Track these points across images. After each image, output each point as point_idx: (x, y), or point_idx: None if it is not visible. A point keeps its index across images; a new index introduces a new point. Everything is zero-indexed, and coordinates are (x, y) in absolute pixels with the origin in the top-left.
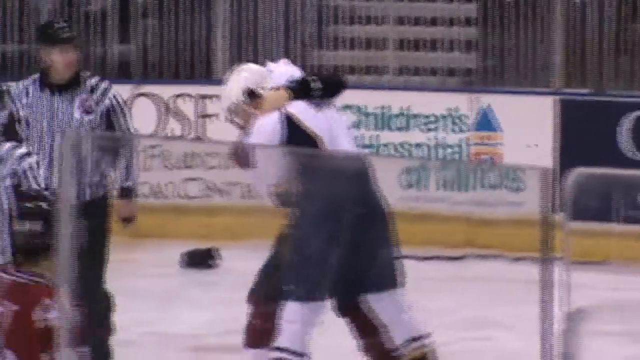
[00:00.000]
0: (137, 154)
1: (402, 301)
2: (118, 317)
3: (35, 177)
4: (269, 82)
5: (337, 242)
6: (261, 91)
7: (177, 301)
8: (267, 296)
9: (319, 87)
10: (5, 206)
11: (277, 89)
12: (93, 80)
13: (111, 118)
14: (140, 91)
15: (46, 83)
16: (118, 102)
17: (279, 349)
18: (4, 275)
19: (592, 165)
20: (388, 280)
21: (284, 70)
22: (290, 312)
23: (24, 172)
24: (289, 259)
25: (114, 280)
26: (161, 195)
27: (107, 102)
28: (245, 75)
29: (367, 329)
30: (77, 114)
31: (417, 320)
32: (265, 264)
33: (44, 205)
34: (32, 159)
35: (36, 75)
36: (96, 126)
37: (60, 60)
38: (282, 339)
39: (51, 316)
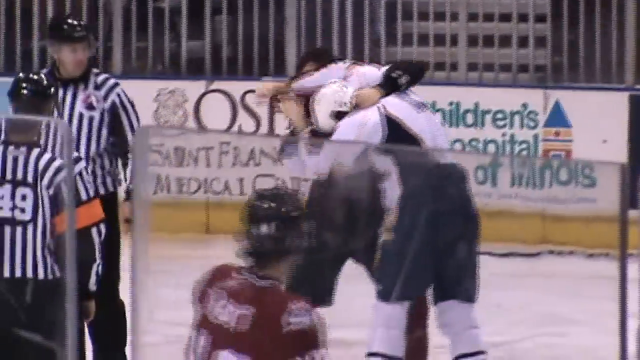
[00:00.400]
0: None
1: (473, 316)
2: (190, 314)
3: (84, 185)
4: (347, 92)
5: (435, 243)
6: (346, 107)
7: None
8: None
9: (406, 81)
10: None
11: (363, 89)
12: (100, 77)
13: (117, 115)
14: (212, 87)
15: (55, 77)
16: (122, 101)
17: (376, 354)
18: (238, 278)
19: None
20: (469, 291)
21: (360, 71)
22: (386, 314)
23: (75, 177)
24: (386, 259)
25: (187, 276)
26: (233, 192)
27: (112, 99)
28: (324, 103)
29: (418, 324)
30: (79, 109)
31: (479, 337)
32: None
33: (279, 207)
34: (82, 164)
35: (47, 69)
36: (98, 123)
37: (70, 58)
38: (378, 343)
39: (301, 320)
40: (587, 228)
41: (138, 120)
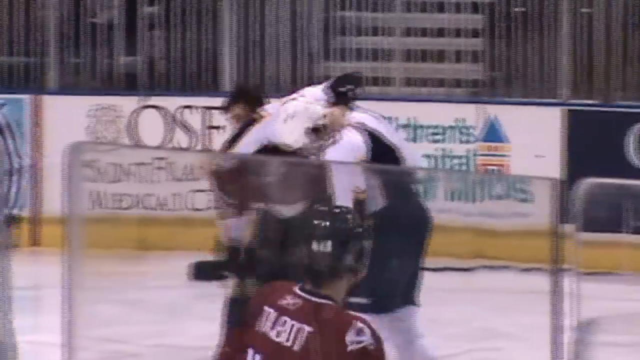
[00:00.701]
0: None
1: (418, 323)
2: (125, 330)
3: None
4: (318, 108)
5: (410, 254)
6: (320, 122)
7: (184, 313)
8: None
9: (351, 88)
10: None
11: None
12: None
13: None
14: (147, 103)
15: None
16: (7, 122)
17: None
18: (296, 295)
19: (599, 175)
20: (418, 297)
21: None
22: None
23: None
24: (368, 272)
25: (121, 292)
26: (168, 207)
27: None
28: (298, 121)
29: None
30: None
31: (431, 348)
32: None
33: (336, 225)
34: None
35: None
36: None
37: None
38: None
39: (365, 339)
40: (521, 242)
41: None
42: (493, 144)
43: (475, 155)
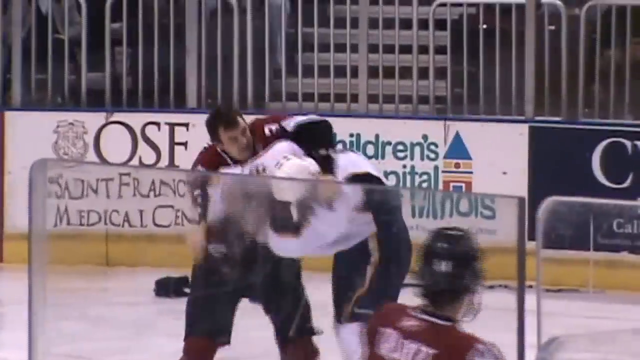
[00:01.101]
0: None
1: None
2: (89, 346)
3: None
4: (311, 163)
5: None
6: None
7: (149, 329)
8: None
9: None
10: None
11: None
12: None
13: None
14: (112, 119)
15: None
16: None
17: None
18: (415, 317)
19: (565, 193)
20: None
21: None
22: (358, 334)
23: None
24: (374, 283)
25: (86, 308)
26: (132, 223)
27: None
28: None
29: None
30: None
31: None
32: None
33: (456, 246)
34: None
35: None
36: None
37: None
38: None
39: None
40: (486, 259)
41: None
42: (458, 161)
43: (440, 172)
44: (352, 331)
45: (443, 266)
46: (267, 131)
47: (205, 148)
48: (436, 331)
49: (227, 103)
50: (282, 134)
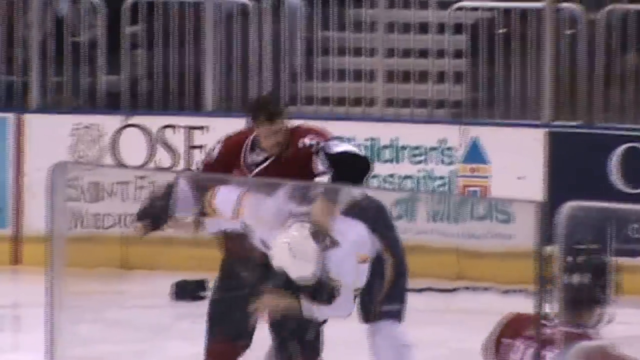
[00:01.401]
0: None
1: None
2: (105, 349)
3: None
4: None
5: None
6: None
7: (165, 333)
8: None
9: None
10: None
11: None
12: None
13: None
14: (129, 122)
15: None
16: None
17: None
18: (548, 327)
19: (581, 198)
20: None
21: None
22: (403, 333)
23: None
24: (394, 281)
25: (102, 311)
26: None
27: None
28: (303, 251)
29: None
30: None
31: None
32: None
33: (592, 258)
34: None
35: None
36: None
37: None
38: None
39: None
40: (502, 264)
41: None
42: (474, 165)
43: (456, 176)
44: (385, 334)
45: (580, 277)
46: (307, 141)
47: (236, 133)
48: (575, 340)
49: (275, 96)
50: (320, 152)
